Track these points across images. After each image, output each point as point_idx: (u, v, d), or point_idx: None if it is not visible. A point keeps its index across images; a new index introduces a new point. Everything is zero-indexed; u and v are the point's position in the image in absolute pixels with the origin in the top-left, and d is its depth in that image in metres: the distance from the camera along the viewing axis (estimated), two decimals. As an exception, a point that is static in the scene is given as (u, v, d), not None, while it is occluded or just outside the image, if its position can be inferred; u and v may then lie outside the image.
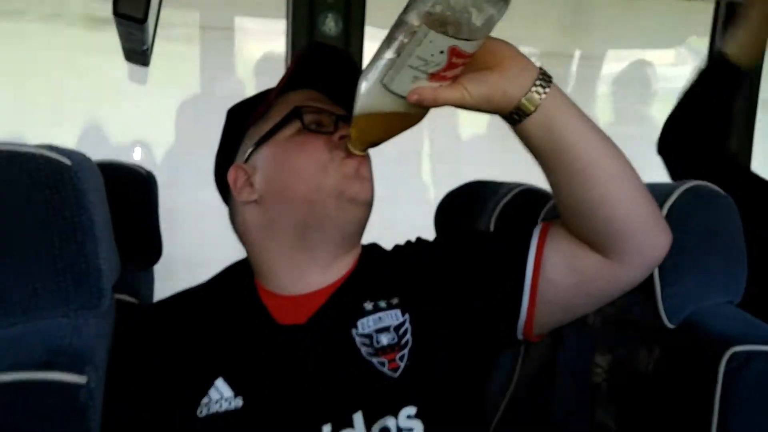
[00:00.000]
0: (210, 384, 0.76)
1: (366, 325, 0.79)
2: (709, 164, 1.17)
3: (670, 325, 0.99)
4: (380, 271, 0.85)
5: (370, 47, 1.34)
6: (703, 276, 0.99)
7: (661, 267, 0.95)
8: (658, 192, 1.00)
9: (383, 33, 0.65)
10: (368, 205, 0.83)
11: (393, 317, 0.79)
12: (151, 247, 1.04)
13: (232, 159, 0.87)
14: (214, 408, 0.75)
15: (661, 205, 0.97)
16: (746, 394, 0.93)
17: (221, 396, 0.75)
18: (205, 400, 0.75)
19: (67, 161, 0.72)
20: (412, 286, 0.82)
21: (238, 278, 0.88)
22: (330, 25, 1.31)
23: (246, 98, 0.90)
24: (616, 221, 0.71)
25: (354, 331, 0.78)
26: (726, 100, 1.17)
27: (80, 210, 0.72)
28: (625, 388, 1.07)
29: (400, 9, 0.61)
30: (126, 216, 0.90)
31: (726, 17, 1.73)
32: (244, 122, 0.86)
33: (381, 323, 0.79)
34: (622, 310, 1.07)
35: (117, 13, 0.79)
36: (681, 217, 0.96)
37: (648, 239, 0.74)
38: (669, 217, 0.95)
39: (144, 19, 0.81)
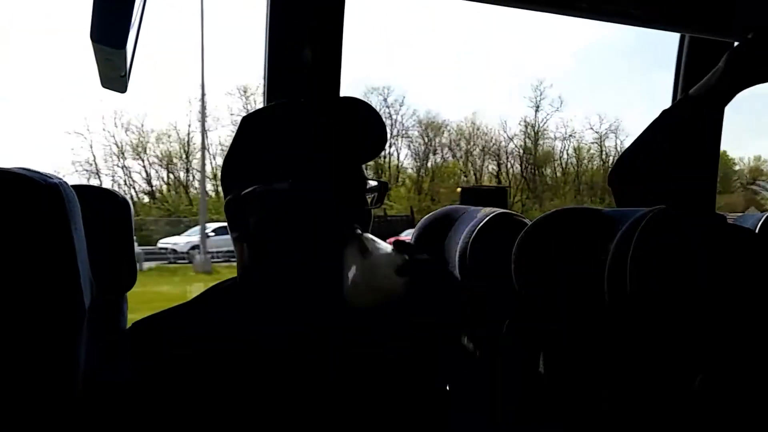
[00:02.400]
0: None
1: None
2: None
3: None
4: None
5: (345, 75, 1.36)
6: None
7: (634, 290, 0.98)
8: (631, 217, 1.03)
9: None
10: None
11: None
12: (126, 274, 1.02)
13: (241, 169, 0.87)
14: None
15: (633, 231, 0.99)
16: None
17: None
18: None
19: (48, 184, 0.72)
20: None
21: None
22: (307, 55, 1.34)
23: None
24: None
25: None
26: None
27: (62, 233, 0.72)
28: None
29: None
30: (101, 241, 0.89)
31: (689, 52, 1.79)
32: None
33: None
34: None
35: (94, 38, 0.79)
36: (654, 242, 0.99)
37: None
38: (642, 241, 0.98)
39: (122, 45, 0.81)
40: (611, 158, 20.43)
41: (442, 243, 1.41)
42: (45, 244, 0.72)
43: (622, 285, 0.98)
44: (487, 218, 1.31)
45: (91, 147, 18.41)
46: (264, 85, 1.34)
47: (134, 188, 18.75)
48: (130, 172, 18.71)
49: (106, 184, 17.98)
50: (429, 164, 21.18)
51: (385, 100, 20.73)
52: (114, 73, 0.94)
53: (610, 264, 1.01)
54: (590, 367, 1.12)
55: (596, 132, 20.71)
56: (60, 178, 0.77)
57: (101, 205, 0.97)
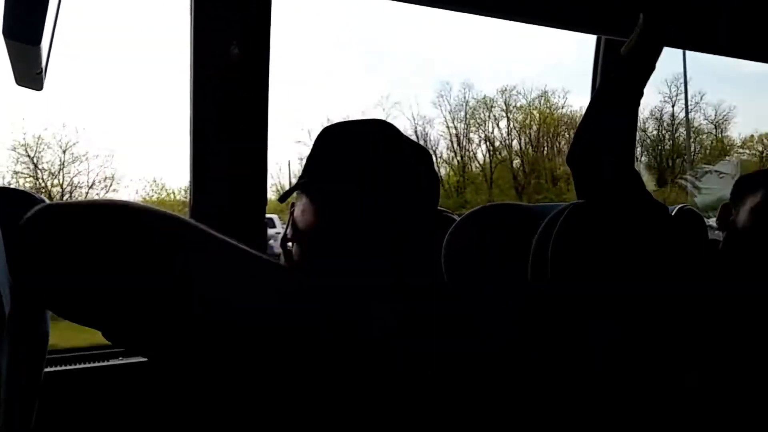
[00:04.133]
0: None
1: None
2: (614, 179, 1.20)
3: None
4: None
5: (273, 72, 1.35)
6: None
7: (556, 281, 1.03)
8: (552, 210, 1.08)
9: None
10: None
11: None
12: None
13: None
14: None
15: (554, 224, 1.04)
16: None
17: None
18: None
19: None
20: None
21: None
22: (234, 52, 1.32)
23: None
24: None
25: None
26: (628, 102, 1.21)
27: None
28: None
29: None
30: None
31: (605, 52, 1.89)
32: None
33: None
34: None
35: (7, 34, 0.75)
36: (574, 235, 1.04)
37: None
38: (562, 234, 1.03)
39: (37, 41, 0.78)
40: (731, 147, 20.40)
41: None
42: None
43: (544, 275, 1.03)
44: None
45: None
46: (191, 84, 1.31)
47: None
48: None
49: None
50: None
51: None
52: (29, 71, 0.90)
53: (533, 255, 1.06)
54: (515, 356, 1.17)
55: (711, 123, 20.62)
56: None
57: (18, 208, 0.92)
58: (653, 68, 1.19)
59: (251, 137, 1.34)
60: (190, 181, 1.32)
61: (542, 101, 19.98)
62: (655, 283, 1.16)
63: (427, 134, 14.89)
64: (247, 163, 1.34)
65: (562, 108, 20.02)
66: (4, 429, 0.71)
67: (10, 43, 0.77)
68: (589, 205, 1.08)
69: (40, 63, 0.87)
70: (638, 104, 1.22)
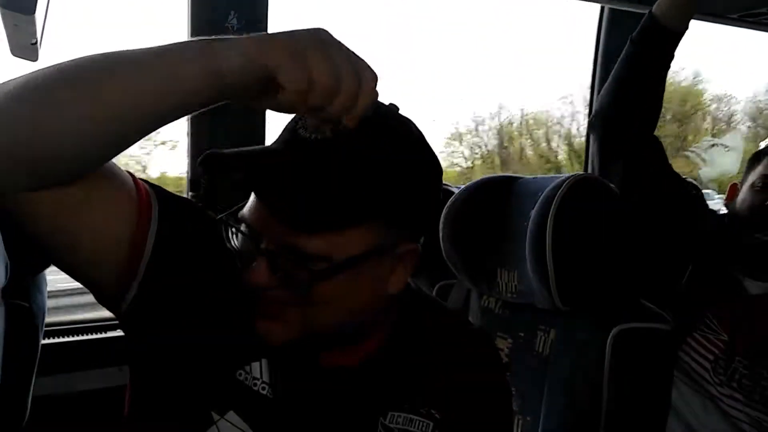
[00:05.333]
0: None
1: (395, 419, 0.72)
2: (637, 148, 1.19)
3: (563, 308, 1.07)
4: (429, 370, 0.75)
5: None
6: (596, 262, 1.07)
7: (555, 255, 1.03)
8: (551, 183, 1.08)
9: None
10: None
11: (422, 427, 0.73)
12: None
13: None
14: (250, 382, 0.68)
15: (552, 197, 1.04)
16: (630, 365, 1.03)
17: (260, 377, 0.69)
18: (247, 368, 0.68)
19: None
20: (453, 413, 0.74)
21: None
22: (233, 22, 1.30)
23: None
24: None
25: (381, 419, 0.71)
26: (660, 65, 1.17)
27: None
28: (525, 369, 1.14)
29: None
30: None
31: (609, 24, 1.85)
32: None
33: (410, 426, 0.72)
34: (520, 295, 1.14)
35: (2, 4, 0.75)
36: (573, 207, 1.04)
37: None
38: (561, 207, 1.03)
39: (32, 11, 0.77)
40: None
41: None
42: None
43: (543, 249, 1.03)
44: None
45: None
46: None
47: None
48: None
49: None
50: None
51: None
52: (24, 41, 0.89)
53: (532, 228, 1.06)
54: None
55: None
56: None
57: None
58: (686, 29, 1.14)
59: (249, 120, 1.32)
60: (188, 172, 1.31)
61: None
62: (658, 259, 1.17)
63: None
64: (244, 146, 1.32)
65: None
66: (2, 402, 0.72)
67: (5, 13, 0.76)
68: (588, 177, 1.07)
69: (35, 33, 0.86)
70: (668, 68, 1.18)
